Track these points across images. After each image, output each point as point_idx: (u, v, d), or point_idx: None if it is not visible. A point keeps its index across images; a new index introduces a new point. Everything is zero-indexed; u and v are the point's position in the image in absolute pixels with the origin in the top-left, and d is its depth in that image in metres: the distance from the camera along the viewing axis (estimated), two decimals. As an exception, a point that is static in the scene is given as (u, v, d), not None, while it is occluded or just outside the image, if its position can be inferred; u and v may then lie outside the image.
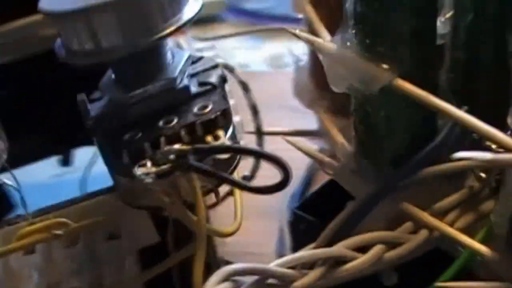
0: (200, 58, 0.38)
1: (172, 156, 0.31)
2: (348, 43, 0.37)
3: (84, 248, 0.37)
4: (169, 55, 0.36)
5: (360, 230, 0.38)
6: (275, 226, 0.54)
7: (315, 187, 0.56)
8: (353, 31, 0.37)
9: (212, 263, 0.43)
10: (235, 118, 0.43)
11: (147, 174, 0.30)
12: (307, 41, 0.40)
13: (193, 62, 0.37)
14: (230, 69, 0.47)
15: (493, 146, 0.34)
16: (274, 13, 0.94)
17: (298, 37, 0.40)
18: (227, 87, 0.37)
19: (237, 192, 0.39)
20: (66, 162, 0.57)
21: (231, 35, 0.83)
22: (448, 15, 0.40)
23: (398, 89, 0.35)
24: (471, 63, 0.39)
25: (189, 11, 0.34)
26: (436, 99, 0.34)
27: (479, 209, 0.38)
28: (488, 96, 0.39)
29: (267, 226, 0.53)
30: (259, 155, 0.32)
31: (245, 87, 0.47)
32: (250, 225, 0.53)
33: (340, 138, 0.42)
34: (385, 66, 0.36)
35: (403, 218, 0.39)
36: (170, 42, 0.36)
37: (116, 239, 0.38)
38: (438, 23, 0.40)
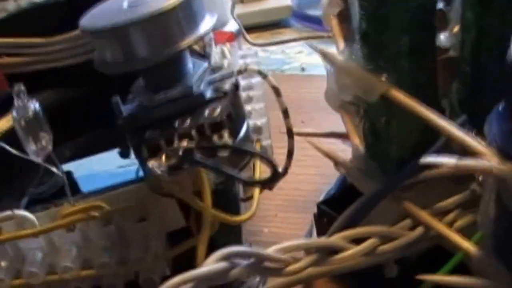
0: (220, 68, 0.43)
1: (180, 152, 0.36)
2: (354, 56, 0.41)
3: (116, 229, 0.43)
4: (189, 65, 0.41)
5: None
6: (309, 219, 0.58)
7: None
8: (358, 45, 0.41)
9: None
10: (261, 120, 0.47)
11: (159, 167, 0.36)
12: (321, 53, 0.44)
13: (214, 71, 0.42)
14: (263, 76, 0.51)
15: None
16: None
17: (314, 49, 0.45)
18: (243, 93, 0.42)
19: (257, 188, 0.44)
20: (125, 154, 0.63)
21: (290, 41, 0.87)
22: (455, 30, 0.43)
23: (393, 98, 0.39)
24: (476, 76, 0.42)
25: (205, 26, 0.39)
26: (420, 107, 0.38)
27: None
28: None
29: (302, 219, 0.56)
30: (251, 154, 0.36)
31: (277, 92, 0.51)
32: (287, 218, 0.58)
33: (356, 140, 0.46)
34: (383, 77, 0.40)
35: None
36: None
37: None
38: (443, 37, 0.43)
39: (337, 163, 0.46)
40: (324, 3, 0.48)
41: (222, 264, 0.35)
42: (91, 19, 0.39)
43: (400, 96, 0.39)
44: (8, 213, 0.43)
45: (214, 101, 0.39)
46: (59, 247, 0.43)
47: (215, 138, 0.37)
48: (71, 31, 0.52)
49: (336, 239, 0.39)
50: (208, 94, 0.40)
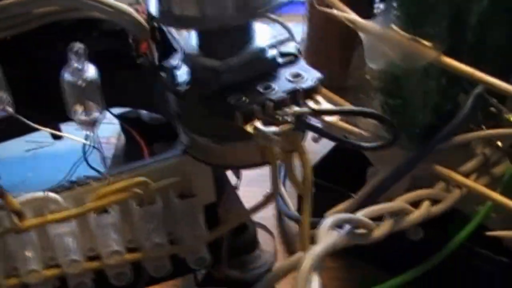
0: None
1: (291, 117, 0.33)
2: (391, 23, 0.41)
3: (161, 207, 0.39)
4: (255, 28, 0.38)
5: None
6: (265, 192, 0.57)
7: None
8: (396, 12, 0.41)
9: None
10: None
11: (270, 132, 0.33)
12: (347, 21, 0.43)
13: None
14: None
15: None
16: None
17: (336, 17, 0.44)
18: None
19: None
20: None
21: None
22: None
23: (444, 65, 0.41)
24: (478, 45, 0.44)
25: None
26: (483, 74, 0.40)
27: (492, 172, 0.44)
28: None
29: (260, 192, 0.55)
30: (374, 116, 0.35)
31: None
32: (246, 192, 0.56)
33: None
34: (428, 44, 0.41)
35: (423, 180, 0.44)
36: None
37: (186, 198, 0.40)
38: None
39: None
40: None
41: (332, 236, 0.34)
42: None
43: (452, 62, 0.40)
44: (38, 194, 0.37)
45: (286, 66, 0.37)
46: (94, 230, 0.38)
47: (310, 103, 0.35)
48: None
49: (401, 202, 0.40)
50: (278, 58, 0.38)
